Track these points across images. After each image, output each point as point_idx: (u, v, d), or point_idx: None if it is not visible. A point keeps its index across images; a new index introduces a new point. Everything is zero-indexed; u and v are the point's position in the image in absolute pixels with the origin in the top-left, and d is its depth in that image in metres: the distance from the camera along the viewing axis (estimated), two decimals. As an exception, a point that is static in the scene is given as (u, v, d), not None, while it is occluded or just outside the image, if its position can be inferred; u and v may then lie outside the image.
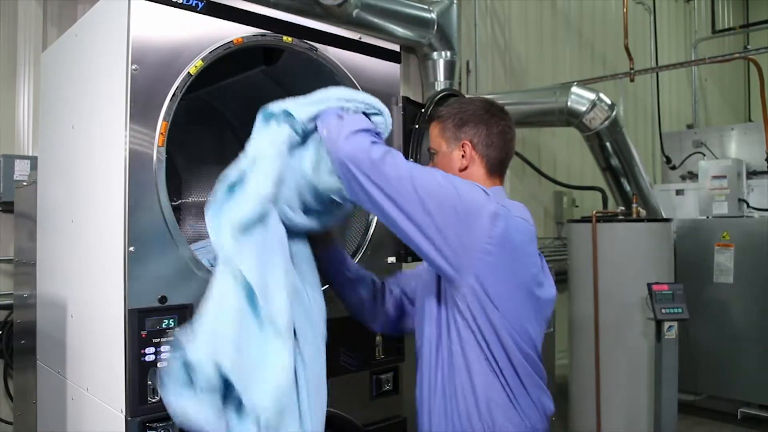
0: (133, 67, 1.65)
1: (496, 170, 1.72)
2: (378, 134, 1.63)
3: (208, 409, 1.42)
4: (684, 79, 8.59)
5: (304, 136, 1.66)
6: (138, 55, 1.66)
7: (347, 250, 2.10)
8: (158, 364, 1.65)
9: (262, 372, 1.46)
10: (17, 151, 3.03)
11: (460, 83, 4.80)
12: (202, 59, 1.77)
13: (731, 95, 9.73)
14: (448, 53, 4.56)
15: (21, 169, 2.90)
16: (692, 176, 6.22)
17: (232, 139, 2.81)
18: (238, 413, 1.47)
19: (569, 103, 4.32)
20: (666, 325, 3.73)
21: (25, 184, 2.68)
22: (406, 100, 2.34)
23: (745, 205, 5.40)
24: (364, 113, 1.69)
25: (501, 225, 1.50)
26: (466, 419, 1.58)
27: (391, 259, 2.21)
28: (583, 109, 4.28)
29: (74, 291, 2.00)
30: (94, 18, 1.92)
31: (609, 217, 4.24)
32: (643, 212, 4.23)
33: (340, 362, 2.07)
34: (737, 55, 6.51)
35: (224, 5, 1.84)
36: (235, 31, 1.86)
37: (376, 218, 2.13)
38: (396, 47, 2.33)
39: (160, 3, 1.71)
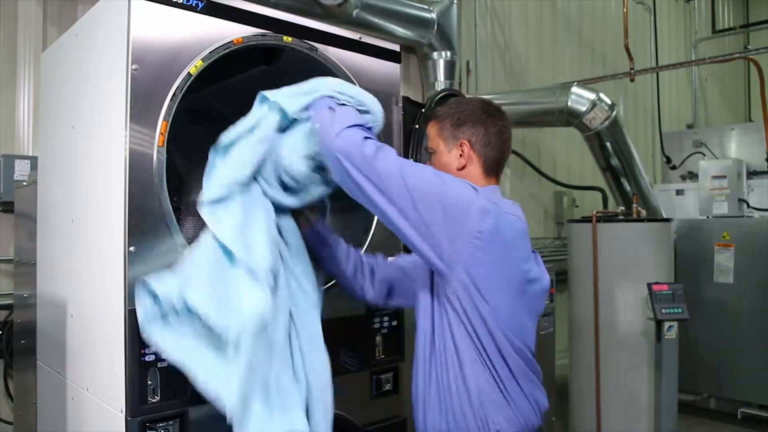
0: (133, 67, 1.65)
1: (493, 170, 1.75)
2: (370, 129, 1.66)
3: (178, 339, 1.51)
4: (684, 79, 8.59)
5: (292, 121, 1.74)
6: (138, 55, 1.66)
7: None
8: (158, 364, 1.65)
9: (236, 304, 1.52)
10: (17, 151, 3.03)
11: (460, 83, 4.80)
12: (202, 59, 1.78)
13: (731, 95, 9.73)
14: (448, 53, 4.56)
15: (21, 169, 2.90)
16: (692, 176, 6.22)
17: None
18: (216, 350, 1.53)
19: (569, 103, 4.32)
20: (666, 325, 3.73)
21: (25, 184, 2.68)
22: (406, 100, 2.35)
23: (745, 205, 5.40)
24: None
25: (490, 221, 1.53)
26: (459, 413, 1.60)
27: (392, 259, 2.21)
28: (583, 109, 4.28)
29: (74, 291, 2.00)
30: (94, 18, 1.92)
31: (609, 217, 4.24)
32: (643, 212, 4.23)
33: (340, 362, 2.06)
34: (737, 55, 6.51)
35: (224, 5, 1.84)
36: (235, 31, 1.86)
37: (376, 219, 2.14)
38: (396, 47, 2.33)
39: (160, 3, 1.71)
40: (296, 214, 1.84)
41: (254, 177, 1.69)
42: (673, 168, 6.55)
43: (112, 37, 1.73)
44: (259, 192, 1.70)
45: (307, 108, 1.71)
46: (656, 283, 3.82)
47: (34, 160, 2.84)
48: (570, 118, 4.36)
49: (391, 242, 2.17)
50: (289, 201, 1.76)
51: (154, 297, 1.55)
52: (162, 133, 1.69)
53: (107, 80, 1.76)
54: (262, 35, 1.93)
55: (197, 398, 1.71)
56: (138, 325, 1.60)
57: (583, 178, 6.08)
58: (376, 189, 1.54)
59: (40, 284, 2.34)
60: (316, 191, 1.79)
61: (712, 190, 5.43)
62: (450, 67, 4.58)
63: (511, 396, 1.59)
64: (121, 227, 1.63)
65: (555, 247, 6.00)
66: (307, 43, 2.04)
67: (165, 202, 1.70)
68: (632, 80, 5.55)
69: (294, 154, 1.71)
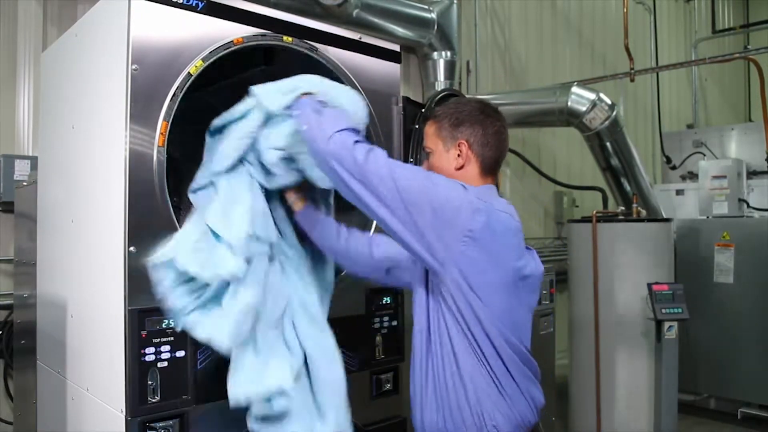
0: (133, 67, 1.65)
1: (490, 170, 1.76)
2: (358, 131, 1.69)
3: (180, 299, 1.63)
4: (684, 79, 8.59)
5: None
6: (138, 55, 1.66)
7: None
8: (158, 365, 1.65)
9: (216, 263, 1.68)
10: (17, 151, 3.03)
11: (460, 83, 4.79)
12: (202, 59, 1.78)
13: (731, 95, 9.73)
14: (448, 53, 4.56)
15: (21, 169, 2.90)
16: (692, 176, 6.22)
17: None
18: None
19: (569, 103, 4.31)
20: (666, 325, 3.73)
21: (25, 184, 2.68)
22: (406, 100, 2.35)
23: (745, 205, 5.40)
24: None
25: (481, 219, 1.54)
26: (456, 409, 1.61)
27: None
28: (583, 109, 4.28)
29: (74, 291, 2.00)
30: (94, 18, 1.92)
31: (609, 217, 4.24)
32: (643, 212, 4.23)
33: (340, 362, 2.06)
34: (737, 55, 6.51)
35: (224, 5, 1.84)
36: (235, 31, 1.87)
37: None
38: (396, 47, 2.33)
39: (160, 3, 1.71)
40: (284, 201, 1.97)
41: (242, 160, 1.83)
42: (673, 168, 6.55)
43: (112, 37, 1.73)
44: (247, 173, 1.83)
45: (289, 107, 1.76)
46: (656, 283, 3.82)
47: (34, 160, 2.84)
48: (570, 118, 4.36)
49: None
50: (269, 183, 1.86)
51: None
52: (162, 133, 1.69)
53: (107, 80, 1.76)
54: (262, 35, 1.93)
55: (197, 398, 1.72)
56: (138, 324, 1.61)
57: (583, 178, 6.08)
58: (368, 192, 1.57)
59: (40, 284, 2.34)
60: (290, 177, 1.88)
61: (712, 190, 5.43)
62: (450, 67, 4.58)
63: (507, 392, 1.61)
64: (121, 227, 1.63)
65: (555, 247, 6.00)
66: (307, 43, 2.04)
67: (165, 202, 1.70)
68: (632, 80, 5.55)
69: (265, 144, 1.81)
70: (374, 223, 2.13)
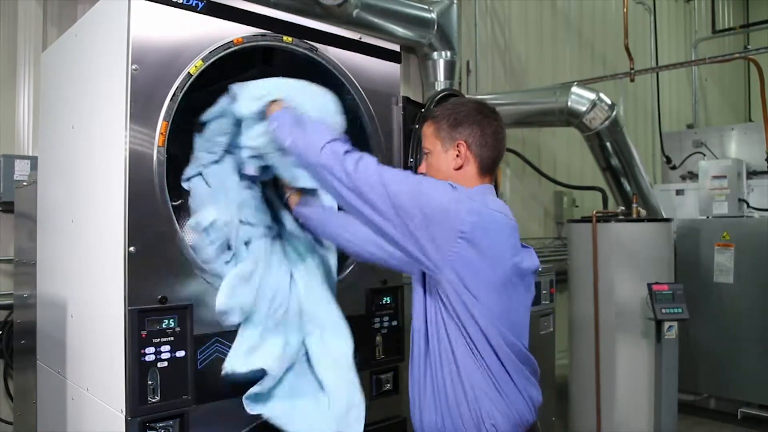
0: (133, 67, 1.65)
1: (488, 169, 1.77)
2: (344, 139, 1.71)
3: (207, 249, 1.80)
4: (684, 79, 8.59)
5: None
6: (138, 55, 1.66)
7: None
8: (158, 364, 1.65)
9: None
10: (17, 151, 3.03)
11: (460, 83, 4.79)
12: (202, 59, 1.78)
13: (731, 95, 9.73)
14: (448, 53, 4.56)
15: (21, 169, 2.90)
16: (692, 176, 6.21)
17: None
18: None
19: (569, 103, 4.31)
20: (666, 325, 3.73)
21: (25, 184, 2.68)
22: (406, 100, 2.35)
23: (745, 205, 5.40)
24: None
25: (472, 219, 1.55)
26: (455, 407, 1.61)
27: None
28: (583, 109, 4.28)
29: (74, 291, 2.00)
30: (94, 18, 1.92)
31: (609, 217, 4.24)
32: (643, 212, 4.23)
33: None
34: (737, 55, 6.51)
35: (224, 5, 1.84)
36: (235, 31, 1.86)
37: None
38: (396, 47, 2.33)
39: (160, 3, 1.71)
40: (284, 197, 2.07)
41: (228, 152, 1.96)
42: (673, 168, 6.55)
43: (112, 37, 1.73)
44: (231, 165, 1.96)
45: (261, 112, 1.83)
46: (656, 283, 3.82)
47: (34, 160, 2.84)
48: (570, 118, 4.36)
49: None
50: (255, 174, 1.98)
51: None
52: (162, 133, 1.69)
53: (107, 80, 1.76)
54: (262, 35, 1.93)
55: (197, 398, 1.72)
56: (138, 324, 1.61)
57: (583, 178, 6.08)
58: (361, 201, 1.59)
59: (40, 284, 2.34)
60: (267, 173, 2.00)
61: (712, 190, 5.43)
62: (450, 67, 4.58)
63: (505, 391, 1.61)
64: (121, 227, 1.63)
65: (555, 247, 6.00)
66: (307, 43, 2.04)
67: (165, 202, 1.70)
68: (632, 80, 5.54)
69: (241, 142, 1.92)
70: None
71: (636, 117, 7.49)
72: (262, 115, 1.84)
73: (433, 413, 1.65)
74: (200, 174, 1.94)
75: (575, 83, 4.60)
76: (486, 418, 1.58)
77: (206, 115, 1.90)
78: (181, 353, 1.69)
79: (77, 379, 1.94)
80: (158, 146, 1.68)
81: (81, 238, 1.95)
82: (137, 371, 1.62)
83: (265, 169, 1.97)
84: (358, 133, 2.31)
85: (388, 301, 2.23)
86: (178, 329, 1.69)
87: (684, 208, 5.88)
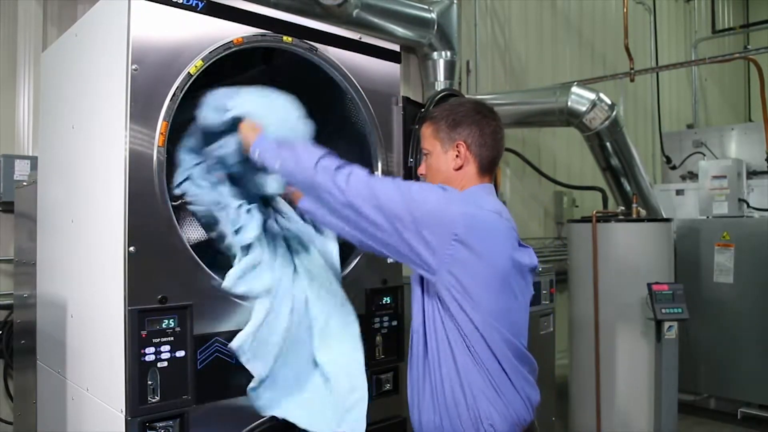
0: (133, 67, 1.65)
1: (487, 169, 1.78)
2: (333, 154, 1.71)
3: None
4: (684, 79, 8.59)
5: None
6: (138, 55, 1.66)
7: (347, 250, 2.11)
8: (158, 364, 1.65)
9: None
10: (17, 151, 3.03)
11: (460, 83, 4.79)
12: (202, 59, 1.78)
13: (731, 95, 9.73)
14: (448, 53, 4.56)
15: (21, 169, 2.90)
16: (692, 176, 6.21)
17: (232, 139, 2.80)
18: None
19: (569, 103, 4.31)
20: (666, 325, 3.73)
21: (25, 184, 2.68)
22: (406, 100, 2.35)
23: (745, 205, 5.40)
24: None
25: (465, 221, 1.56)
26: (453, 407, 1.62)
27: (391, 260, 2.21)
28: (583, 109, 4.28)
29: (74, 291, 2.00)
30: (94, 18, 1.92)
31: (609, 217, 4.24)
32: (643, 212, 4.23)
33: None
34: (737, 55, 6.51)
35: (224, 5, 1.84)
36: (235, 31, 1.86)
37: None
38: (396, 47, 2.33)
39: (160, 3, 1.71)
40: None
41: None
42: (673, 168, 6.55)
43: (112, 37, 1.73)
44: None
45: (222, 123, 1.87)
46: (656, 283, 3.82)
47: (34, 160, 2.84)
48: (570, 118, 4.36)
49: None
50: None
51: None
52: (162, 133, 1.69)
53: (107, 80, 1.76)
54: (262, 35, 1.93)
55: (197, 398, 1.72)
56: (138, 324, 1.61)
57: (583, 178, 6.08)
58: (355, 214, 1.62)
59: (40, 284, 2.34)
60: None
61: (712, 190, 5.43)
62: (450, 67, 4.58)
63: (503, 391, 1.62)
64: (121, 227, 1.63)
65: (555, 247, 6.00)
66: (306, 43, 2.04)
67: (165, 202, 1.70)
68: (632, 80, 5.54)
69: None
70: None
71: (636, 117, 7.48)
72: (224, 126, 1.87)
73: (432, 413, 1.66)
74: (188, 178, 1.95)
75: (575, 83, 4.60)
76: (484, 418, 1.59)
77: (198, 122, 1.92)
78: (181, 353, 1.69)
79: (77, 379, 1.94)
80: (158, 146, 1.68)
81: (81, 238, 1.95)
82: (137, 371, 1.62)
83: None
84: (358, 134, 2.31)
85: (388, 301, 2.23)
86: (178, 329, 1.69)
87: (684, 208, 5.88)
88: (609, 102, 4.32)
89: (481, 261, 1.57)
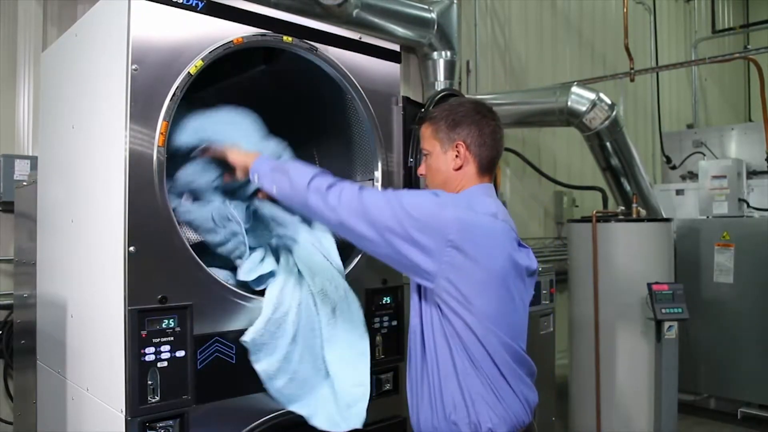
0: (133, 67, 1.65)
1: (487, 169, 1.78)
2: (325, 174, 1.73)
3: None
4: (684, 79, 8.59)
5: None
6: (138, 55, 1.66)
7: (347, 250, 2.11)
8: (158, 364, 1.65)
9: None
10: (17, 151, 3.03)
11: (460, 83, 4.80)
12: (202, 59, 1.77)
13: (731, 95, 9.73)
14: (448, 53, 4.56)
15: (21, 169, 2.90)
16: (692, 176, 6.22)
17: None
18: None
19: (569, 103, 4.31)
20: (666, 325, 3.73)
21: (25, 184, 2.68)
22: (406, 100, 2.35)
23: (745, 205, 5.40)
24: None
25: (459, 226, 1.56)
26: (451, 410, 1.62)
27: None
28: (583, 109, 4.28)
29: (74, 291, 2.00)
30: (94, 18, 1.92)
31: (609, 217, 4.24)
32: (643, 212, 4.23)
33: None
34: (737, 55, 6.50)
35: (224, 5, 1.84)
36: (235, 31, 1.86)
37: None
38: (396, 47, 2.33)
39: (160, 3, 1.71)
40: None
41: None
42: (673, 168, 6.55)
43: (112, 37, 1.73)
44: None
45: (187, 149, 1.91)
46: (656, 283, 3.82)
47: (34, 160, 2.84)
48: (570, 118, 4.36)
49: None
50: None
51: None
52: (162, 133, 1.69)
53: (107, 80, 1.76)
54: (262, 35, 1.93)
55: (197, 398, 1.72)
56: (138, 324, 1.61)
57: (583, 178, 6.08)
58: (350, 231, 1.65)
59: (40, 284, 2.34)
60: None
61: (712, 190, 5.43)
62: (450, 67, 4.58)
63: (502, 396, 1.62)
64: (121, 227, 1.63)
65: (555, 247, 6.00)
66: (307, 43, 2.04)
67: (165, 202, 1.70)
68: (632, 80, 5.54)
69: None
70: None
71: (636, 117, 7.48)
72: (193, 148, 1.91)
73: (430, 415, 1.66)
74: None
75: (575, 83, 4.60)
76: (483, 422, 1.59)
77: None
78: (181, 353, 1.69)
79: (77, 379, 1.94)
80: (158, 146, 1.68)
81: (81, 238, 1.95)
82: (137, 371, 1.62)
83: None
84: (358, 133, 2.31)
85: (388, 301, 2.23)
86: (178, 329, 1.69)
87: (684, 208, 5.88)
88: (609, 102, 4.32)
89: (476, 266, 1.57)
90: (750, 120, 9.38)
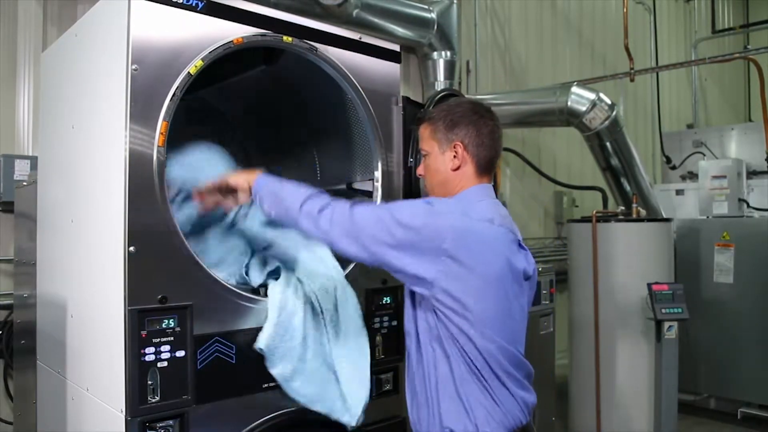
0: (133, 67, 1.65)
1: (485, 169, 1.78)
2: (314, 196, 1.75)
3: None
4: (684, 79, 8.59)
5: None
6: (138, 55, 1.66)
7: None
8: (158, 364, 1.65)
9: None
10: (17, 151, 3.03)
11: (460, 83, 4.79)
12: (202, 59, 1.77)
13: (731, 95, 9.73)
14: (448, 53, 4.56)
15: (21, 169, 2.90)
16: (692, 176, 6.21)
17: (231, 139, 2.80)
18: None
19: (569, 103, 4.31)
20: (666, 325, 3.73)
21: (25, 184, 2.68)
22: (406, 100, 2.35)
23: (745, 205, 5.40)
24: None
25: (454, 236, 1.56)
26: (449, 416, 1.62)
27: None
28: (583, 109, 4.28)
29: (74, 291, 2.00)
30: (94, 18, 1.92)
31: (609, 217, 4.24)
32: (643, 212, 4.23)
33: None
34: (737, 55, 6.50)
35: (224, 5, 1.84)
36: (235, 31, 1.86)
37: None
38: (396, 47, 2.33)
39: (160, 3, 1.71)
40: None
41: None
42: (673, 168, 6.54)
43: (112, 37, 1.73)
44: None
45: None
46: (656, 283, 3.82)
47: (34, 160, 2.84)
48: (570, 118, 4.36)
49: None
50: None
51: None
52: (162, 133, 1.69)
53: (107, 80, 1.76)
54: (262, 35, 1.93)
55: (197, 398, 1.72)
56: (138, 324, 1.61)
57: (583, 178, 6.08)
58: (342, 251, 1.68)
59: (40, 284, 2.34)
60: None
61: (712, 190, 5.43)
62: (450, 67, 4.58)
63: (500, 400, 1.62)
64: (121, 227, 1.63)
65: (555, 247, 6.00)
66: (306, 43, 2.04)
67: (165, 202, 1.70)
68: (632, 80, 5.54)
69: None
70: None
71: (636, 117, 7.48)
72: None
73: (428, 416, 1.66)
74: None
75: (575, 83, 4.60)
76: (481, 425, 1.59)
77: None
78: (181, 353, 1.69)
79: (77, 379, 1.94)
80: (158, 146, 1.68)
81: (81, 238, 1.95)
82: (137, 371, 1.62)
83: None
84: (359, 133, 2.31)
85: (388, 301, 2.23)
86: (178, 329, 1.69)
87: (684, 208, 5.88)
88: (609, 102, 4.32)
89: (472, 273, 1.57)
90: (750, 120, 9.37)
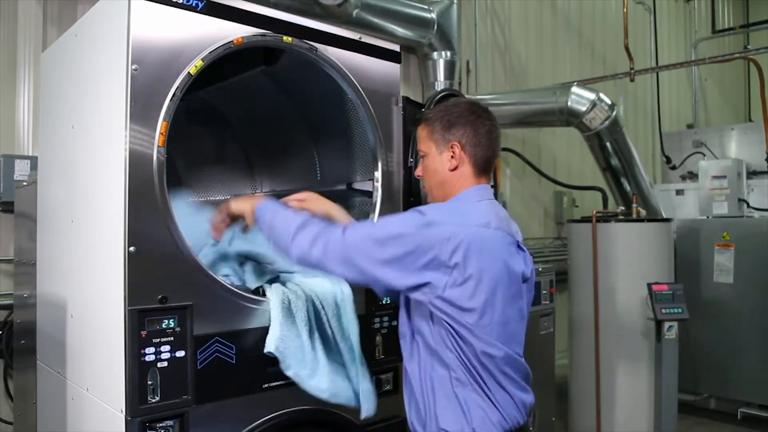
0: (133, 67, 1.65)
1: (483, 169, 1.77)
2: (305, 225, 1.73)
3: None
4: (684, 79, 8.59)
5: None
6: (138, 55, 1.66)
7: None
8: (158, 364, 1.65)
9: None
10: (17, 151, 3.03)
11: (460, 83, 4.79)
12: (202, 59, 1.77)
13: (731, 95, 9.73)
14: (448, 53, 4.56)
15: (21, 169, 2.90)
16: (692, 176, 6.21)
17: (232, 139, 2.81)
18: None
19: (569, 103, 4.31)
20: (666, 325, 3.73)
21: (25, 184, 2.68)
22: (406, 100, 2.35)
23: (745, 205, 5.40)
24: None
25: (450, 246, 1.56)
26: (445, 418, 1.62)
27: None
28: (583, 109, 4.28)
29: (74, 291, 2.00)
30: (94, 18, 1.92)
31: (609, 217, 4.24)
32: (643, 212, 4.23)
33: (340, 362, 2.07)
34: (737, 55, 6.51)
35: (224, 5, 1.84)
36: (235, 31, 1.86)
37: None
38: (396, 47, 2.33)
39: (160, 3, 1.71)
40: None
41: None
42: (673, 168, 6.54)
43: (112, 37, 1.73)
44: None
45: None
46: (656, 283, 3.82)
47: (34, 160, 2.84)
48: (570, 118, 4.36)
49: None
50: None
51: None
52: (162, 133, 1.69)
53: (107, 80, 1.76)
54: (262, 35, 1.93)
55: (197, 398, 1.72)
56: (138, 324, 1.61)
57: (583, 178, 6.08)
58: (341, 276, 1.68)
59: (40, 284, 2.34)
60: None
61: (712, 190, 5.43)
62: (450, 67, 4.58)
63: (499, 402, 1.62)
64: (121, 227, 1.63)
65: (555, 247, 6.00)
66: (306, 43, 2.04)
67: (165, 202, 1.70)
68: (632, 80, 5.55)
69: None
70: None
71: (636, 117, 7.48)
72: None
73: (426, 418, 1.66)
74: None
75: (575, 83, 4.60)
76: (477, 427, 1.59)
77: None
78: (181, 353, 1.69)
79: (77, 379, 1.94)
80: (158, 146, 1.68)
81: (81, 238, 1.95)
82: (137, 371, 1.62)
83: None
84: (359, 134, 2.31)
85: (388, 301, 2.23)
86: (178, 329, 1.69)
87: (684, 208, 5.88)
88: (609, 102, 4.32)
89: (469, 279, 1.56)
90: (750, 120, 9.38)
